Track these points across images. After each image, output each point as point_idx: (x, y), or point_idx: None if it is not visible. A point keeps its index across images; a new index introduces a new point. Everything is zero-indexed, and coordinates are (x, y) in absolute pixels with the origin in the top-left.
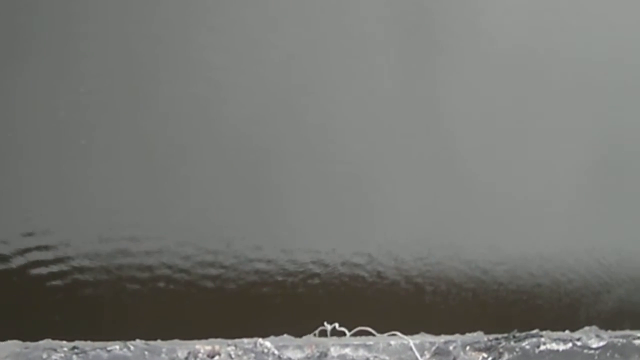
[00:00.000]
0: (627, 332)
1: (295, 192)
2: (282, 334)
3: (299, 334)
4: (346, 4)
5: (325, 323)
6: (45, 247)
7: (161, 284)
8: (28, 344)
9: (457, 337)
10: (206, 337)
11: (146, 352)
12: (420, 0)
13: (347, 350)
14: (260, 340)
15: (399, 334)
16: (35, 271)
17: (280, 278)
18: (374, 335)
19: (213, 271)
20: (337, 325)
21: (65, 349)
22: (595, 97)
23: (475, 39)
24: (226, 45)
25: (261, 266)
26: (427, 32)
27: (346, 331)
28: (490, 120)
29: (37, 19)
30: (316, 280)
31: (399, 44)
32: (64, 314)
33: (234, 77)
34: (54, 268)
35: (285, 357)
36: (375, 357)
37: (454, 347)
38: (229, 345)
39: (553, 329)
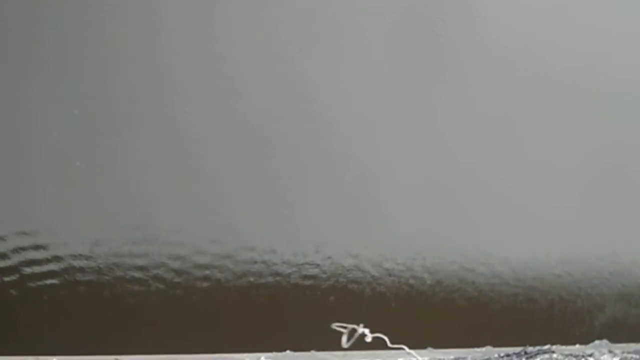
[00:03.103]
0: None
1: (303, 198)
2: (284, 349)
3: (298, 347)
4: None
5: (339, 328)
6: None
7: (158, 294)
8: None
9: (467, 353)
10: (206, 352)
11: None
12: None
13: None
14: (262, 356)
15: (406, 348)
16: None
17: (277, 287)
18: (386, 345)
19: (208, 283)
20: (362, 328)
21: None
22: (598, 108)
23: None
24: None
25: (253, 277)
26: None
27: (367, 333)
28: (493, 128)
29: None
30: (321, 292)
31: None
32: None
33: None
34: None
35: None
36: None
37: None
38: None
39: (562, 343)
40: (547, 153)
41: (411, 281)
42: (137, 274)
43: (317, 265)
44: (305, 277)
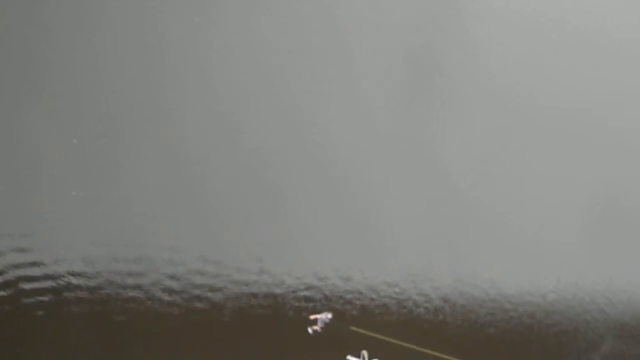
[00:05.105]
0: None
1: (312, 225)
2: None
3: None
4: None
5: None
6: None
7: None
8: None
9: None
10: None
11: None
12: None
13: None
14: None
15: None
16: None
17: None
18: None
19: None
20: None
21: None
22: (598, 140)
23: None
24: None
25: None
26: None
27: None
28: (496, 160)
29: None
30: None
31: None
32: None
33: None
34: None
35: None
36: None
37: None
38: None
39: None
40: (548, 185)
41: (410, 305)
42: (133, 293)
43: (314, 288)
44: (304, 299)
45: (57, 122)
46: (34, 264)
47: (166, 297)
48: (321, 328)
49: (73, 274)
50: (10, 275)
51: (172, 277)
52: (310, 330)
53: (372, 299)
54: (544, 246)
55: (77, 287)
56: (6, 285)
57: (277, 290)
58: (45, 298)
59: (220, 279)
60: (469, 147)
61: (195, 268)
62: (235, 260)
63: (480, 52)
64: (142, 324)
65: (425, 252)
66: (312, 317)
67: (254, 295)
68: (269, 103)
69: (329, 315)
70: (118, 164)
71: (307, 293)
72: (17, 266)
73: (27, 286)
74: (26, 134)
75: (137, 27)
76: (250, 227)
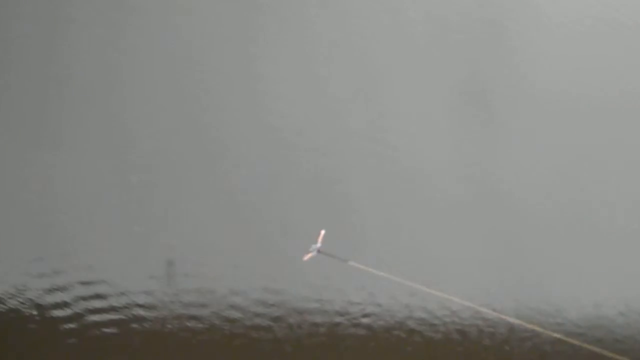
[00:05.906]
0: None
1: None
2: None
3: None
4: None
5: None
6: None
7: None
8: None
9: None
10: None
11: None
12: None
13: None
14: None
15: None
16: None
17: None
18: None
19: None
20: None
21: None
22: None
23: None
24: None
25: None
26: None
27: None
28: (558, 177)
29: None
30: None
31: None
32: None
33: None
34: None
35: None
36: None
37: None
38: None
39: None
40: (612, 204)
41: (474, 332)
42: (194, 324)
43: (374, 315)
44: (365, 327)
45: (115, 159)
46: (98, 296)
47: (227, 327)
48: (315, 252)
49: (137, 306)
50: (77, 307)
51: (233, 307)
52: (305, 258)
53: (432, 325)
54: (610, 269)
55: (140, 319)
56: (73, 317)
57: (337, 319)
58: (109, 329)
59: (281, 308)
60: (534, 164)
61: (256, 298)
62: (296, 290)
63: (528, 76)
64: (203, 355)
65: (488, 278)
66: (306, 258)
67: (315, 325)
68: (322, 130)
69: (319, 243)
70: (175, 199)
71: (366, 320)
72: (82, 298)
73: (92, 318)
74: (89, 171)
75: (181, 57)
76: (310, 257)
